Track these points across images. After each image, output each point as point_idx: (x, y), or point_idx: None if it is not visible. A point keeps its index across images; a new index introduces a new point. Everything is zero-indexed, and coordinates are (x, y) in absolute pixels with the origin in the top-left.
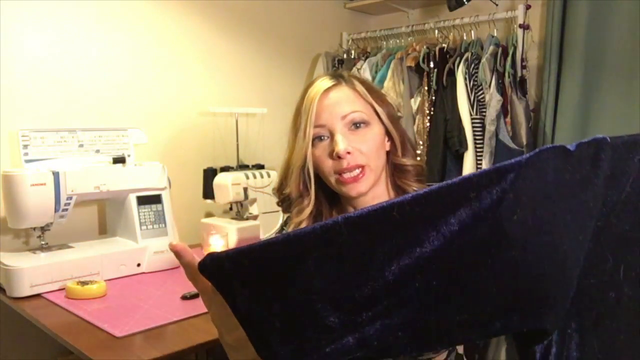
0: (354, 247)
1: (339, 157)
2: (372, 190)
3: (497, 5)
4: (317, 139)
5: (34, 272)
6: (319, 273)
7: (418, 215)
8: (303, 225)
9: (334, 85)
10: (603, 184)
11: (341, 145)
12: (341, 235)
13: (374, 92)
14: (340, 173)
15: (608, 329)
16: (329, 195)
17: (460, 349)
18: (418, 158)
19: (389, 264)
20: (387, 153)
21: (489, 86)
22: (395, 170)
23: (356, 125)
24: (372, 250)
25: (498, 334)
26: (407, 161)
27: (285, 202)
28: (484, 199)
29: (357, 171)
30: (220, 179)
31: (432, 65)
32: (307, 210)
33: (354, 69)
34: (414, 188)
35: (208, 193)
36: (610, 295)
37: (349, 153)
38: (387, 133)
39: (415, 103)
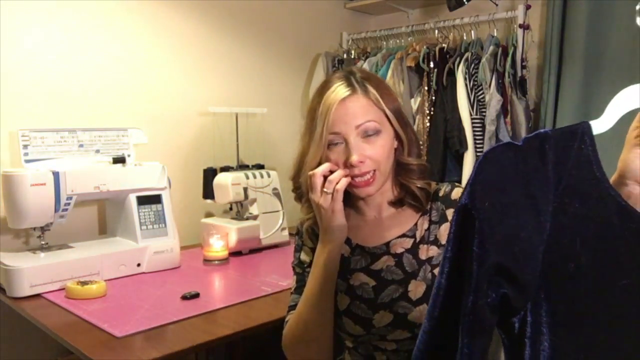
0: None
1: (352, 166)
2: (382, 188)
3: (497, 5)
4: (333, 144)
5: (34, 272)
6: None
7: None
8: (309, 222)
9: (350, 95)
10: (552, 170)
11: (354, 157)
12: None
13: (386, 94)
14: (352, 177)
15: (570, 294)
16: None
17: None
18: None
19: None
20: (395, 150)
21: (489, 86)
22: (399, 168)
23: (369, 134)
24: None
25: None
26: (413, 160)
27: (299, 190)
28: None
29: (368, 175)
30: (220, 179)
31: (432, 65)
32: None
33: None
34: (417, 185)
35: (208, 193)
36: (570, 265)
37: (361, 162)
38: (396, 134)
39: (415, 103)
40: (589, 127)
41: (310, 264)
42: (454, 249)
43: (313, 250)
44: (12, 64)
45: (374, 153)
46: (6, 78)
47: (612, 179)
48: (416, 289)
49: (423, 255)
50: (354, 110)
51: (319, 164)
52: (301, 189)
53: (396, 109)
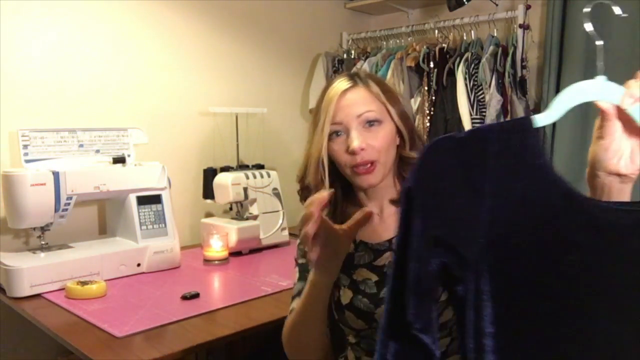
0: None
1: (354, 153)
2: (382, 182)
3: (497, 5)
4: (335, 134)
5: (34, 272)
6: None
7: None
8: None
9: (351, 87)
10: (494, 158)
11: (355, 143)
12: None
13: (388, 92)
14: (354, 167)
15: (510, 268)
16: (345, 185)
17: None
18: None
19: None
20: (397, 147)
21: (489, 86)
22: (402, 164)
23: (370, 123)
24: None
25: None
26: (414, 154)
27: (305, 191)
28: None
29: (369, 165)
30: (220, 179)
31: (432, 65)
32: None
33: (354, 69)
34: None
35: (208, 193)
36: (511, 242)
37: (362, 149)
38: (398, 130)
39: (415, 103)
40: (532, 120)
41: None
42: (402, 230)
43: None
44: (12, 64)
45: (375, 142)
46: (6, 78)
47: (586, 172)
48: None
49: None
50: (355, 100)
51: (320, 154)
52: (308, 189)
53: (398, 105)
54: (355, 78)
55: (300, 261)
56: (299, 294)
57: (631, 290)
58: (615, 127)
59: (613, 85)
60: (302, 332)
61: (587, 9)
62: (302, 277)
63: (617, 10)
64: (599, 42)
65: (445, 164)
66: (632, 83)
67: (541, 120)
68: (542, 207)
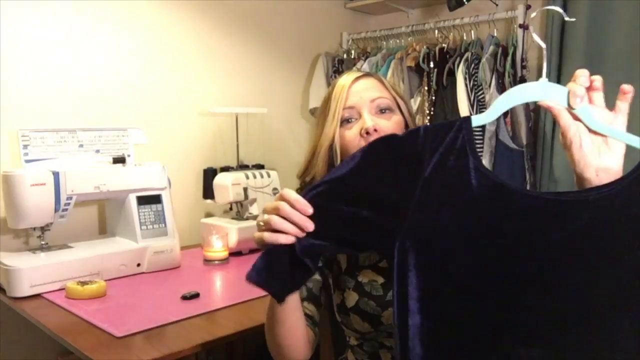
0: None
1: (367, 134)
2: None
3: (497, 5)
4: (346, 121)
5: (34, 272)
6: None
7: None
8: None
9: (363, 75)
10: (426, 152)
11: (369, 122)
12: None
13: (396, 89)
14: None
15: (435, 248)
16: None
17: None
18: None
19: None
20: None
21: (489, 86)
22: None
23: (382, 110)
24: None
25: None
26: None
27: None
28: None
29: None
30: (220, 179)
31: (432, 65)
32: None
33: (354, 69)
34: None
35: (208, 193)
36: (434, 223)
37: (376, 130)
38: (406, 125)
39: (415, 103)
40: (467, 120)
41: None
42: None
43: None
44: (13, 64)
45: (387, 127)
46: (6, 78)
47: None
48: None
49: None
50: (368, 86)
51: (332, 141)
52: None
53: (407, 102)
54: (363, 73)
55: None
56: (307, 297)
57: (551, 270)
58: (570, 122)
59: (554, 85)
60: (274, 322)
61: (534, 14)
62: None
63: (566, 17)
64: (543, 45)
65: (380, 157)
66: (572, 84)
67: (478, 120)
68: (463, 193)
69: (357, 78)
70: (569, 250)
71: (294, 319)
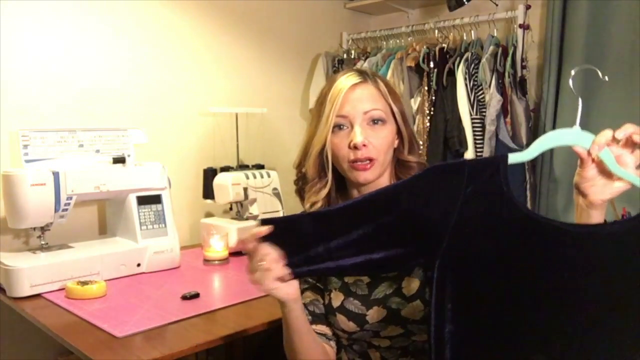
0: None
1: (355, 148)
2: (376, 182)
3: (497, 5)
4: (338, 127)
5: (34, 272)
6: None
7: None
8: (318, 205)
9: (360, 82)
10: (466, 183)
11: (359, 138)
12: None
13: (394, 93)
14: (353, 161)
15: (468, 267)
16: (338, 180)
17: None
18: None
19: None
20: (394, 150)
21: (489, 86)
22: (399, 166)
23: (375, 121)
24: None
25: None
26: (412, 158)
27: (301, 180)
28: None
29: (367, 162)
30: (220, 179)
31: (432, 65)
32: (324, 192)
33: (354, 68)
34: None
35: (208, 193)
36: (470, 249)
37: (364, 145)
38: (398, 132)
39: (415, 103)
40: (505, 158)
41: None
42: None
43: None
44: (13, 63)
45: (377, 142)
46: (6, 78)
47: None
48: (409, 285)
49: None
50: (363, 96)
51: (323, 146)
52: (305, 178)
53: (401, 107)
54: (364, 74)
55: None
56: (310, 303)
57: (570, 292)
58: (591, 165)
59: (585, 134)
60: (292, 348)
61: (573, 71)
62: (311, 287)
63: (601, 75)
64: (580, 101)
65: (427, 182)
66: (599, 136)
67: (515, 158)
68: (496, 220)
69: (354, 85)
70: (584, 276)
71: (308, 342)
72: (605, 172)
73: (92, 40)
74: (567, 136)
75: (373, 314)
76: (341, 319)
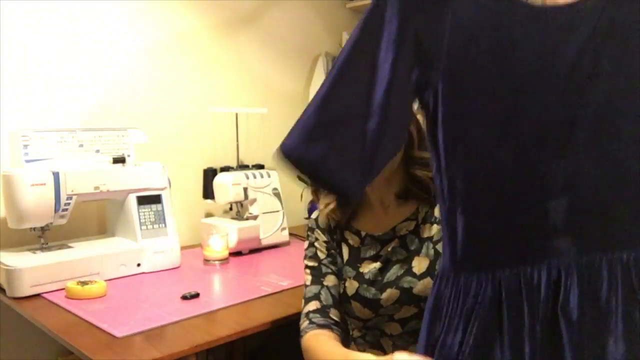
0: None
1: None
2: (389, 179)
3: None
4: None
5: (34, 272)
6: None
7: None
8: (332, 205)
9: None
10: None
11: None
12: None
13: None
14: None
15: (471, 72)
16: None
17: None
18: None
19: None
20: (405, 146)
21: None
22: (412, 162)
23: None
24: None
25: None
26: (425, 154)
27: None
28: None
29: None
30: (220, 179)
31: None
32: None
33: None
34: (430, 176)
35: (208, 193)
36: (471, 50)
37: None
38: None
39: (415, 102)
40: None
41: (325, 258)
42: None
43: (327, 243)
44: (13, 63)
45: None
46: (6, 78)
47: None
48: (420, 264)
49: (425, 234)
50: None
51: None
52: None
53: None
54: None
55: (310, 264)
56: (314, 296)
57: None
58: None
59: None
60: None
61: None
62: (317, 281)
63: None
64: None
65: None
66: None
67: None
68: (496, 17)
69: None
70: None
71: None
72: None
73: (92, 40)
74: None
75: (387, 297)
76: (356, 307)
